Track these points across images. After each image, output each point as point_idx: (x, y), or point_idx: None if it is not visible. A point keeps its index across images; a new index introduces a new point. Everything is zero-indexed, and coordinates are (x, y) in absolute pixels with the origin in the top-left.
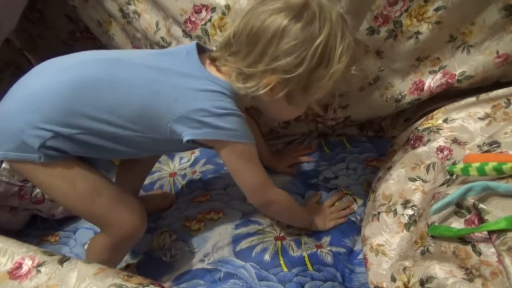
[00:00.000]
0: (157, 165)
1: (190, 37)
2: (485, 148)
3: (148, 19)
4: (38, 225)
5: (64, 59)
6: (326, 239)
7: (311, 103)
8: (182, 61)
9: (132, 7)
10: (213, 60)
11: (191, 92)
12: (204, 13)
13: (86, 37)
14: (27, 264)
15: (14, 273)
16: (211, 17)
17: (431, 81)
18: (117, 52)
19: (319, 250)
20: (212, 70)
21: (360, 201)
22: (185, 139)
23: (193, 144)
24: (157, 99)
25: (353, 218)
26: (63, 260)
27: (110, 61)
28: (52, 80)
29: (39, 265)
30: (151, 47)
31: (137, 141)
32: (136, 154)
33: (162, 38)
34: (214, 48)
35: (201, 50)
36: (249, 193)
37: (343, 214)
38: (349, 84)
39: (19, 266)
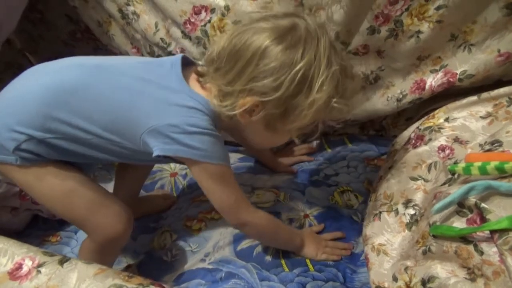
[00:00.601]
0: (158, 165)
1: (190, 38)
2: (487, 147)
3: (147, 20)
4: (39, 226)
5: (49, 64)
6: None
7: (292, 133)
8: (165, 73)
9: (131, 8)
10: (200, 76)
11: (166, 105)
12: (203, 14)
13: (86, 37)
14: (27, 264)
15: (14, 274)
16: (210, 18)
17: (433, 80)
18: (102, 59)
19: None
20: (195, 86)
21: (360, 198)
22: (154, 153)
23: (164, 158)
24: (132, 109)
25: (355, 217)
26: (63, 260)
27: (91, 67)
28: (31, 84)
29: (39, 265)
30: (151, 48)
31: (112, 150)
32: (113, 160)
33: (161, 39)
34: (200, 62)
35: (189, 63)
36: (222, 213)
37: (338, 252)
38: (331, 116)
39: (19, 266)
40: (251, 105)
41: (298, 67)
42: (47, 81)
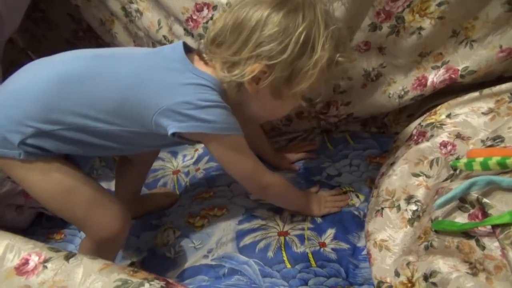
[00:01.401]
0: (160, 162)
1: (192, 35)
2: (489, 142)
3: (150, 17)
4: (43, 223)
5: (50, 58)
6: (330, 233)
7: (297, 98)
8: (168, 56)
9: (134, 6)
10: (201, 55)
11: (175, 86)
12: (205, 11)
13: (89, 36)
14: (34, 260)
15: (21, 269)
16: (212, 15)
17: (434, 77)
18: (101, 50)
19: (322, 249)
20: (199, 65)
21: (362, 197)
22: (170, 132)
23: (178, 139)
24: (140, 92)
25: (356, 213)
26: (69, 256)
27: (92, 56)
28: (34, 77)
29: (46, 261)
30: (154, 46)
31: (120, 136)
32: (120, 150)
33: (164, 36)
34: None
35: (189, 49)
36: (243, 182)
37: (338, 204)
38: (335, 74)
39: (26, 262)
40: (259, 71)
41: (301, 29)
42: (49, 73)
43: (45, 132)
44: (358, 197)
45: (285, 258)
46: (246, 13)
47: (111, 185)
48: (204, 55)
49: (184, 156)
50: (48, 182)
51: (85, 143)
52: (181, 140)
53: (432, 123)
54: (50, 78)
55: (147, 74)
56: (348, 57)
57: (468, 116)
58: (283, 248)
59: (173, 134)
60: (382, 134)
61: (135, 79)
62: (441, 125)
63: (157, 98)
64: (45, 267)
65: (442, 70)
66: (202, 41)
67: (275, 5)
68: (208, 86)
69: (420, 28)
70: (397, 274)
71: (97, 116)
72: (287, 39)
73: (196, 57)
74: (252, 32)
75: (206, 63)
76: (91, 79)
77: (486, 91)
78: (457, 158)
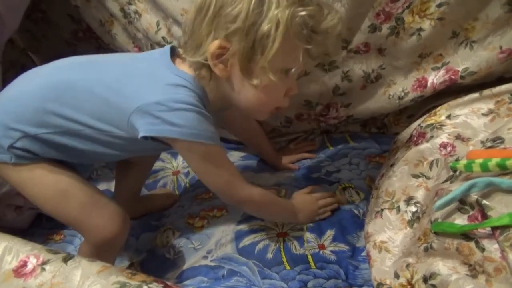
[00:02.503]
0: (160, 163)
1: None
2: (489, 144)
3: (149, 19)
4: (43, 224)
5: (43, 66)
6: (330, 234)
7: (274, 74)
8: (153, 60)
9: (133, 7)
10: (181, 57)
11: (153, 85)
12: None
13: (88, 36)
14: (32, 262)
15: (19, 271)
16: None
17: (434, 78)
18: (94, 56)
19: (321, 251)
20: (181, 66)
21: (362, 195)
22: (140, 135)
23: (156, 143)
24: (121, 91)
25: (356, 211)
26: (67, 258)
27: (81, 63)
28: (26, 84)
29: (44, 263)
30: (152, 47)
31: (102, 140)
32: (106, 156)
33: (163, 37)
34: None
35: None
36: (218, 194)
37: (329, 209)
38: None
39: (24, 264)
40: (218, 45)
41: None
42: (41, 80)
43: (32, 136)
44: (358, 194)
45: (284, 260)
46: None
47: (111, 186)
48: (183, 56)
49: None
50: (41, 185)
51: (71, 148)
52: (159, 145)
53: (432, 124)
54: (41, 84)
55: (131, 76)
56: (314, 10)
57: (468, 117)
58: (282, 250)
59: (145, 137)
60: (382, 135)
61: (119, 81)
62: (441, 126)
63: (134, 98)
64: (43, 269)
65: (442, 71)
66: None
67: None
68: (185, 87)
69: (420, 29)
70: (396, 276)
71: (79, 118)
72: (240, 5)
73: (178, 59)
74: (207, 10)
75: (187, 65)
76: (78, 83)
77: (486, 92)
78: (457, 159)
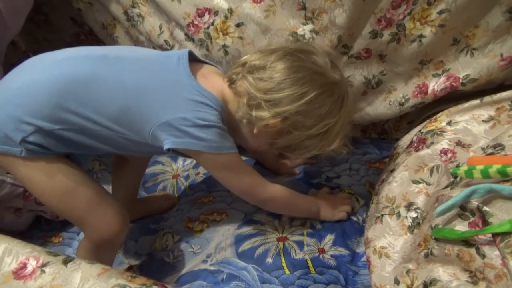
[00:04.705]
0: (160, 166)
1: (193, 40)
2: (489, 150)
3: (152, 22)
4: (42, 226)
5: (53, 54)
6: (330, 238)
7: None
8: (173, 66)
9: (136, 10)
10: (231, 81)
11: (177, 99)
12: (207, 16)
13: (90, 39)
14: (32, 264)
15: (19, 273)
16: (213, 20)
17: (435, 85)
18: (107, 49)
19: (321, 255)
20: (202, 81)
21: (362, 201)
22: (165, 147)
23: (173, 153)
24: (143, 103)
25: (355, 218)
26: (67, 260)
27: (98, 58)
28: (39, 74)
29: (44, 265)
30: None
31: (117, 141)
32: (116, 152)
33: (165, 41)
34: (203, 59)
35: (193, 58)
36: (243, 197)
37: (346, 210)
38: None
39: (24, 266)
40: (275, 124)
41: (333, 121)
42: (56, 72)
43: (46, 131)
44: (358, 200)
45: (284, 264)
46: (301, 78)
47: (110, 188)
48: (232, 84)
49: (184, 160)
50: (50, 181)
51: (82, 145)
52: (175, 154)
53: (432, 130)
54: (57, 76)
55: (151, 84)
56: (339, 151)
57: (468, 124)
58: (282, 254)
59: (168, 149)
60: (382, 140)
61: (139, 90)
62: (441, 132)
63: (158, 111)
64: (43, 271)
65: (443, 78)
66: (208, 44)
67: (328, 88)
68: (209, 106)
69: (421, 36)
70: (396, 281)
71: (98, 120)
72: (320, 124)
73: (199, 70)
74: (297, 99)
75: (210, 81)
76: (97, 84)
77: (487, 98)
78: (458, 166)
